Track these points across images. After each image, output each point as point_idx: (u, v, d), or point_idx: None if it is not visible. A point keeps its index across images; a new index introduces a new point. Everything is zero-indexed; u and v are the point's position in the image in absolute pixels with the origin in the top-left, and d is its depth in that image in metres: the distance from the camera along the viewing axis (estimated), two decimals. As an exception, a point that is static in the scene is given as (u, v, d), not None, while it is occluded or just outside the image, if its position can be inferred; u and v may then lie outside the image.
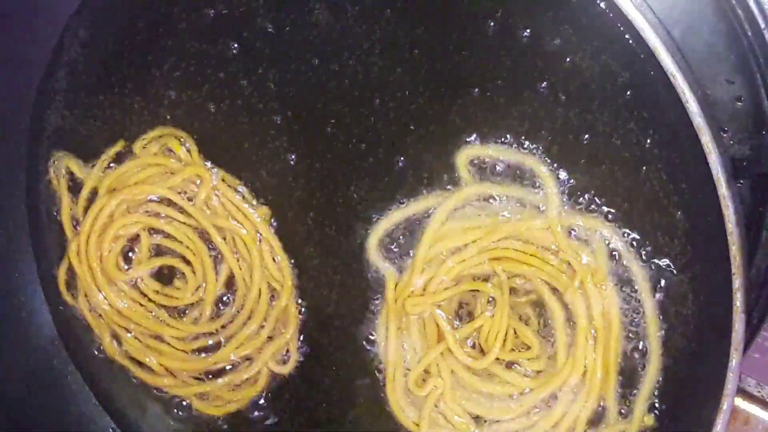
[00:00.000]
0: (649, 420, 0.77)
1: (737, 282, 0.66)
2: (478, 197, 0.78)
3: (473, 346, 0.81)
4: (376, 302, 0.84)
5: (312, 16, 0.80)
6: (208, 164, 0.86)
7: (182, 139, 0.87)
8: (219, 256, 0.88)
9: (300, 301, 0.87)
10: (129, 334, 0.92)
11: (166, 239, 0.89)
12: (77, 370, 0.98)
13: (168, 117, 0.87)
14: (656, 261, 0.75)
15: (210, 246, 0.88)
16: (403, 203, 0.81)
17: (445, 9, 0.76)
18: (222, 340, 0.89)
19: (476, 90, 0.77)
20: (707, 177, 0.65)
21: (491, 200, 0.78)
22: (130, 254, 0.91)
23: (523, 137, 0.76)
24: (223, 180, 0.86)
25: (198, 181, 0.86)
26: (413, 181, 0.80)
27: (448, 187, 0.79)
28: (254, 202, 0.86)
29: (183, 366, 0.91)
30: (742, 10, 0.73)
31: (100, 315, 0.92)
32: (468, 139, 0.78)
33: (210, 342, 0.90)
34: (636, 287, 0.76)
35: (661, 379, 0.76)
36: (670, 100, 0.65)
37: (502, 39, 0.75)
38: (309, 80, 0.81)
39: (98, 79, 0.89)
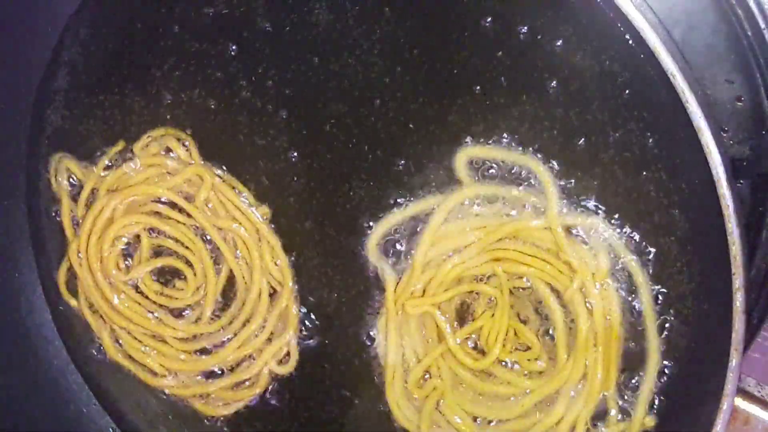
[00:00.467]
0: (650, 422, 0.77)
1: (737, 282, 0.66)
2: (478, 198, 0.78)
3: (474, 347, 0.81)
4: (376, 302, 0.84)
5: (312, 15, 0.80)
6: (208, 164, 0.86)
7: (182, 140, 0.87)
8: (219, 256, 0.88)
9: (300, 301, 0.87)
10: (129, 335, 0.92)
11: (167, 240, 0.89)
12: (77, 370, 0.98)
13: (168, 117, 0.87)
14: (656, 261, 0.75)
15: (210, 246, 0.88)
16: (402, 204, 0.81)
17: (445, 9, 0.76)
18: (222, 340, 0.89)
19: (477, 89, 0.77)
20: (707, 177, 0.65)
21: (491, 201, 0.78)
22: (130, 258, 0.91)
23: (522, 137, 0.76)
24: (223, 180, 0.86)
25: (198, 182, 0.86)
26: (413, 182, 0.80)
27: (448, 187, 0.79)
28: (254, 203, 0.86)
29: (183, 367, 0.91)
30: (742, 10, 0.74)
31: (101, 315, 0.92)
32: (467, 140, 0.78)
33: (210, 343, 0.90)
34: (635, 287, 0.76)
35: (661, 379, 0.76)
36: (670, 100, 0.65)
37: (502, 39, 0.75)
38: (309, 80, 0.81)
39: (98, 79, 0.89)
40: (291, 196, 0.85)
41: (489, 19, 0.75)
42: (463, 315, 0.81)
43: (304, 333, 0.87)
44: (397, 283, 0.81)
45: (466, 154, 0.78)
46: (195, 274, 0.88)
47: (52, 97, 0.91)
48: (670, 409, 0.76)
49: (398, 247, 0.82)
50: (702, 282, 0.73)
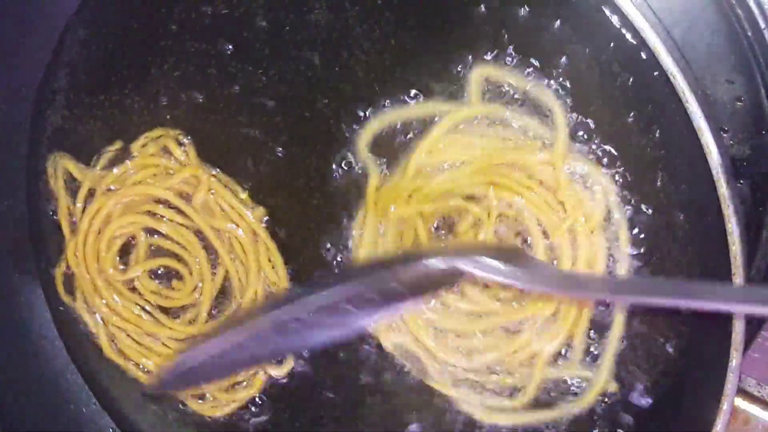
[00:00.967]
0: (612, 387, 0.78)
1: (737, 282, 0.66)
2: (488, 118, 0.76)
3: None
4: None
5: (312, 15, 0.80)
6: (206, 165, 0.86)
7: (180, 140, 0.87)
8: (216, 257, 0.88)
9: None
10: (125, 334, 0.92)
11: (164, 240, 0.89)
12: (77, 370, 0.98)
13: (168, 117, 0.87)
14: (656, 261, 0.75)
15: (207, 247, 0.88)
16: (406, 102, 0.78)
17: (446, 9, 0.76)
18: None
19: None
20: (707, 177, 0.65)
21: (498, 124, 0.76)
22: (127, 257, 0.90)
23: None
24: (220, 181, 0.86)
25: (195, 182, 0.86)
26: (422, 84, 0.78)
27: (457, 100, 0.77)
28: (250, 204, 0.86)
29: None
30: (742, 10, 0.74)
31: (97, 314, 0.92)
32: (486, 57, 0.76)
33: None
34: (618, 244, 0.75)
35: (661, 379, 0.76)
36: (670, 100, 0.65)
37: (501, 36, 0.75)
38: (308, 80, 0.81)
39: (98, 79, 0.89)
40: (288, 198, 0.85)
41: (488, 20, 0.75)
42: (443, 230, 0.80)
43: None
44: (382, 185, 0.80)
45: (483, 72, 0.76)
46: (191, 275, 0.88)
47: (52, 97, 0.91)
48: (670, 409, 0.76)
49: (391, 149, 0.79)
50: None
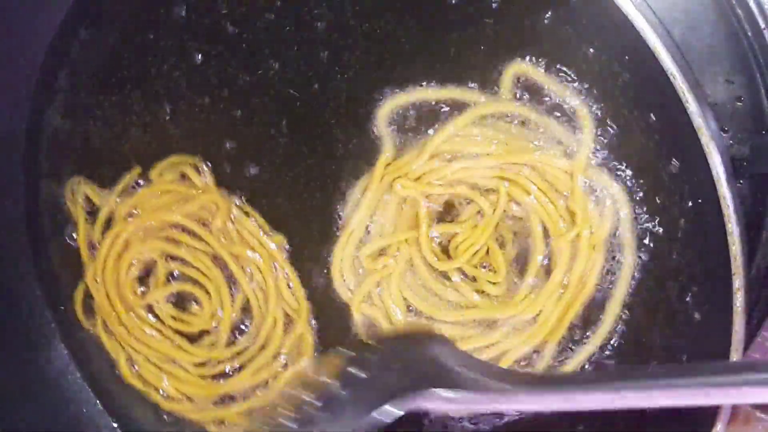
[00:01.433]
0: None
1: (737, 282, 0.66)
2: (517, 117, 0.76)
3: (442, 249, 0.80)
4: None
5: (312, 15, 0.80)
6: (224, 191, 0.86)
7: (198, 166, 0.87)
8: (235, 282, 0.88)
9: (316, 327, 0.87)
10: (145, 359, 0.92)
11: (182, 265, 0.89)
12: (77, 370, 0.98)
13: (168, 117, 0.87)
14: (656, 261, 0.75)
15: (226, 272, 0.88)
16: (433, 85, 0.78)
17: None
18: (238, 366, 0.89)
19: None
20: (707, 177, 0.65)
21: (523, 124, 0.76)
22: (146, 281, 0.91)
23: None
24: (238, 207, 0.86)
25: (214, 209, 0.86)
26: (449, 71, 0.77)
27: (487, 92, 0.77)
28: (269, 230, 0.86)
29: (199, 391, 0.91)
30: (742, 10, 0.74)
31: (117, 339, 0.93)
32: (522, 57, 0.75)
33: (226, 368, 0.90)
34: (621, 261, 0.76)
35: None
36: (670, 100, 0.65)
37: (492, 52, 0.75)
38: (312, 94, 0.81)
39: (98, 79, 0.89)
40: (307, 226, 0.84)
41: (488, 21, 0.75)
42: (443, 216, 0.80)
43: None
44: (393, 159, 0.80)
45: (518, 68, 0.76)
46: (210, 300, 0.89)
47: (52, 97, 0.91)
48: (670, 408, 0.76)
49: (410, 128, 0.79)
50: (702, 282, 0.73)
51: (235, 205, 0.86)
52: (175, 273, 0.90)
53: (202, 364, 0.90)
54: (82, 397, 0.98)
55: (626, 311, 0.77)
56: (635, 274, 0.76)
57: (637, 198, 0.75)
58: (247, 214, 0.86)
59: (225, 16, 0.83)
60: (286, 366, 0.88)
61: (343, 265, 0.83)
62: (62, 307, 0.96)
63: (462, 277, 0.80)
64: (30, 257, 0.96)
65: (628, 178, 0.74)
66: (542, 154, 0.75)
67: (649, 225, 0.75)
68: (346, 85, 0.80)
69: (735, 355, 0.67)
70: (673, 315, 0.75)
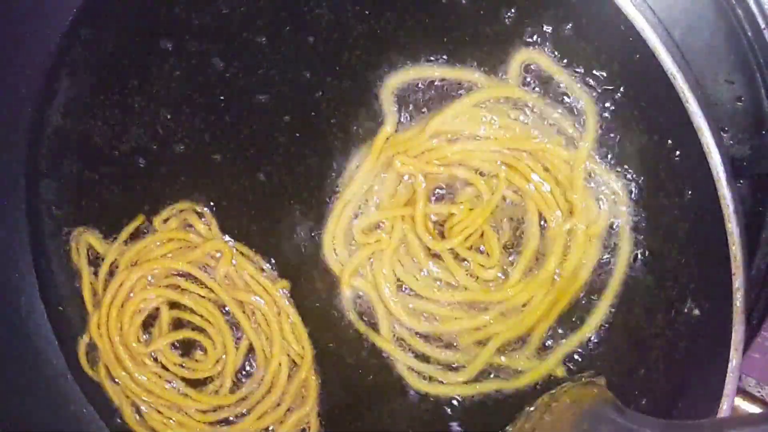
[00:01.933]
0: (561, 371, 0.79)
1: (737, 282, 0.66)
2: (522, 104, 0.76)
3: (438, 229, 0.80)
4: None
5: (312, 15, 0.80)
6: (228, 238, 0.87)
7: (201, 214, 0.87)
8: (239, 329, 0.88)
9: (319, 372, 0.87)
10: (150, 406, 0.92)
11: (186, 312, 0.89)
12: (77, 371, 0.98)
13: (168, 117, 0.87)
14: (656, 261, 0.75)
15: (230, 318, 0.88)
16: (439, 61, 0.78)
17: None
18: (242, 411, 0.89)
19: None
20: (707, 177, 0.65)
21: (529, 112, 0.76)
22: (150, 329, 0.91)
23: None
24: (242, 254, 0.86)
25: (218, 255, 0.86)
26: (462, 50, 0.77)
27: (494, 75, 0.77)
28: (273, 276, 0.86)
29: None
30: (742, 10, 0.74)
31: (120, 386, 0.92)
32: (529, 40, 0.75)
33: (231, 414, 0.90)
34: (616, 257, 0.76)
35: (662, 379, 0.76)
36: (670, 100, 0.65)
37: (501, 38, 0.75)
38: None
39: (99, 79, 0.89)
40: (309, 271, 0.85)
41: (489, 21, 0.75)
42: (441, 196, 0.80)
43: (324, 405, 0.87)
44: (394, 133, 0.79)
45: (526, 55, 0.75)
46: (215, 347, 0.89)
47: (52, 97, 0.91)
48: (670, 408, 0.76)
49: (414, 104, 0.79)
50: (702, 282, 0.73)
51: (236, 250, 0.86)
52: (179, 320, 0.90)
53: (206, 411, 0.90)
54: (82, 397, 0.98)
55: (625, 311, 0.77)
56: (635, 274, 0.76)
57: (637, 197, 0.75)
58: (248, 257, 0.86)
59: (225, 16, 0.83)
60: (290, 411, 0.88)
61: (335, 238, 0.82)
62: (60, 308, 0.96)
63: (455, 257, 0.80)
64: (30, 258, 0.96)
65: (628, 177, 0.75)
66: (545, 142, 0.75)
67: (649, 224, 0.75)
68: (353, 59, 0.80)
69: (735, 355, 0.67)
70: (672, 314, 0.75)
